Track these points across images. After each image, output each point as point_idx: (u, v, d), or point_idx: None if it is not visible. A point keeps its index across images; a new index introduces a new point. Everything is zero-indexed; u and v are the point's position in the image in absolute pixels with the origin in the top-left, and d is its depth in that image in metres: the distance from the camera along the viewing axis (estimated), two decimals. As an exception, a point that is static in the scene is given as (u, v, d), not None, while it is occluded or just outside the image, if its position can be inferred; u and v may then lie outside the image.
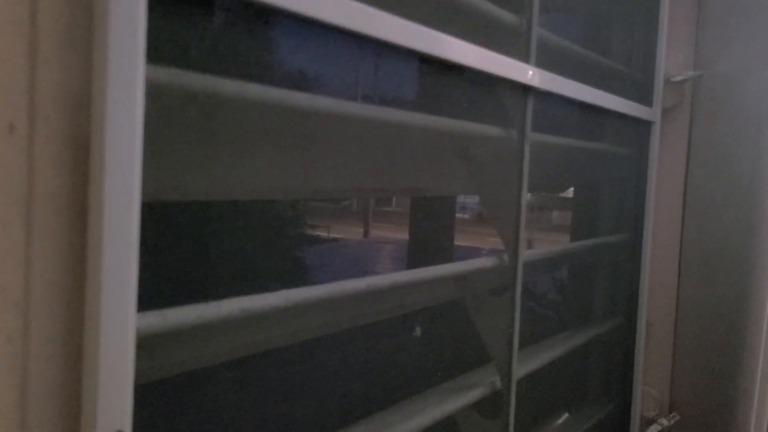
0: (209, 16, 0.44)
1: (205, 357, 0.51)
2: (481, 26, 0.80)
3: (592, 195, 1.31)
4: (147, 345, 0.44)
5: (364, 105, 0.68)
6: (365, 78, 0.71)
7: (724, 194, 1.26)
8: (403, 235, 1.08)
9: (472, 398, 0.83)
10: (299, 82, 0.55)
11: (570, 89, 0.92)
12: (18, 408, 0.36)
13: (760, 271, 1.22)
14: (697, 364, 1.32)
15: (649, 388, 1.36)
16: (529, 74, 0.82)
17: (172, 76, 0.42)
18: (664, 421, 1.32)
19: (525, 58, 0.83)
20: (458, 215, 1.15)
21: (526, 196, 0.86)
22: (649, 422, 1.33)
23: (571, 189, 1.35)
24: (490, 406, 0.89)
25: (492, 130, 0.83)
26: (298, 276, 0.84)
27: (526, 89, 0.83)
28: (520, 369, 0.91)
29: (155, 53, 0.40)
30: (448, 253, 1.09)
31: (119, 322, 0.38)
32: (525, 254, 0.87)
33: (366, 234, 1.21)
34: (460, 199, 1.20)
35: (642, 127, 1.26)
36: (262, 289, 0.54)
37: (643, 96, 1.25)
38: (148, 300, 0.44)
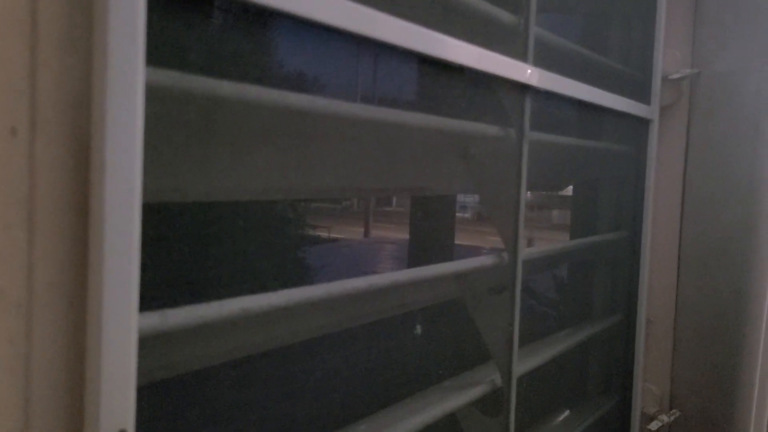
0: (209, 17, 0.44)
1: (207, 357, 0.52)
2: (478, 26, 0.80)
3: (591, 193, 1.31)
4: (149, 345, 0.44)
5: (362, 105, 0.68)
6: (363, 79, 0.71)
7: (722, 191, 1.27)
8: (404, 235, 1.08)
9: (473, 396, 0.84)
10: (298, 83, 0.55)
11: (568, 88, 0.93)
12: (21, 409, 0.37)
13: (759, 268, 1.23)
14: (697, 361, 1.32)
15: (649, 385, 1.36)
16: (527, 73, 0.82)
17: (171, 78, 0.42)
18: (665, 418, 1.32)
19: (523, 57, 0.83)
20: (459, 214, 1.16)
21: (526, 195, 0.86)
22: (649, 419, 1.34)
23: (572, 188, 1.36)
24: (491, 403, 0.89)
25: (490, 129, 0.84)
26: (299, 276, 0.84)
27: (524, 88, 0.84)
28: (521, 366, 0.91)
29: (155, 55, 0.40)
30: (448, 253, 1.10)
31: (121, 322, 0.39)
32: (524, 252, 0.87)
33: (366, 234, 1.21)
34: (461, 198, 1.20)
35: (640, 125, 1.26)
36: (263, 289, 0.54)
37: (641, 94, 1.26)
38: (149, 300, 0.44)
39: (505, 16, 0.82)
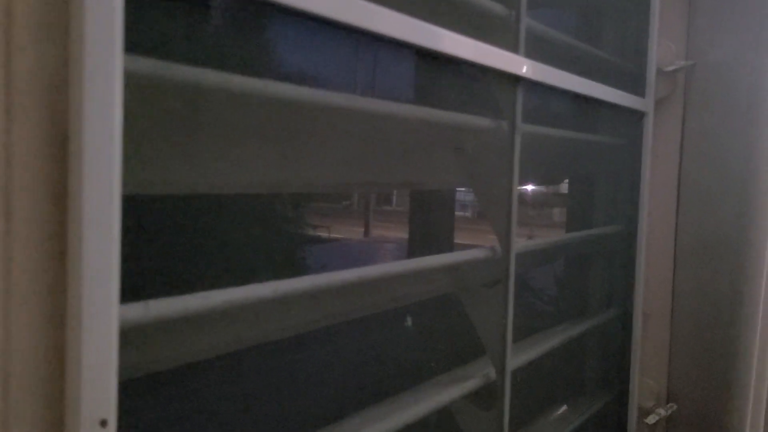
0: (189, 4, 0.44)
1: (192, 349, 0.51)
2: (469, 17, 0.80)
3: (586, 187, 1.31)
4: (131, 336, 0.44)
5: (352, 96, 0.67)
6: (352, 70, 0.71)
7: (718, 184, 1.26)
8: (404, 234, 1.08)
9: (466, 390, 0.83)
10: (285, 73, 0.54)
11: (560, 79, 0.92)
12: (0, 398, 0.36)
13: (755, 260, 1.22)
14: (694, 354, 1.32)
15: (646, 379, 1.36)
16: (519, 64, 0.82)
17: (152, 66, 0.42)
18: (662, 411, 1.32)
19: (514, 48, 0.83)
20: (459, 213, 1.15)
21: (518, 188, 0.86)
22: (646, 412, 1.34)
23: (568, 183, 1.35)
24: (485, 397, 0.89)
25: (482, 122, 0.83)
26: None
27: (515, 80, 0.83)
28: (515, 360, 0.91)
29: (134, 42, 0.40)
30: (448, 251, 1.09)
31: (101, 312, 0.38)
32: (517, 246, 0.87)
33: (367, 233, 1.21)
34: (460, 196, 1.20)
35: (635, 117, 1.26)
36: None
37: (636, 86, 1.25)
38: (134, 292, 0.44)
39: (496, 7, 0.82)
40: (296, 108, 0.56)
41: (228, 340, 0.55)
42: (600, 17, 1.28)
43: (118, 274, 0.39)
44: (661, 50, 1.26)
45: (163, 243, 0.56)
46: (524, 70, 0.83)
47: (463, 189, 1.16)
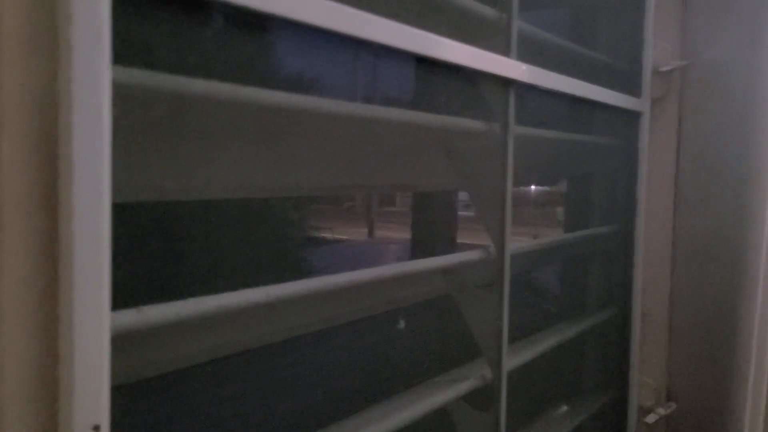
0: (176, 16, 0.45)
1: (187, 354, 0.52)
2: (460, 21, 0.80)
3: (583, 187, 1.32)
4: (124, 341, 0.45)
5: (342, 102, 0.68)
6: (343, 76, 0.71)
7: (715, 183, 1.27)
8: (409, 235, 1.08)
9: (462, 391, 0.84)
10: (276, 80, 0.55)
11: (553, 81, 0.93)
12: (-7, 405, 0.37)
13: (752, 258, 1.23)
14: (693, 353, 1.32)
15: (645, 378, 1.36)
16: (510, 68, 0.83)
17: (140, 76, 0.42)
18: (661, 411, 1.32)
19: (506, 51, 0.83)
20: (463, 213, 1.15)
21: (511, 189, 0.86)
22: (646, 412, 1.34)
23: (565, 183, 1.36)
24: (482, 398, 0.89)
25: (475, 125, 0.84)
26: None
27: (507, 83, 0.84)
28: (511, 361, 0.91)
29: (122, 54, 0.41)
30: (451, 251, 1.09)
31: (93, 319, 0.39)
32: (512, 247, 0.88)
33: (371, 234, 1.21)
34: (464, 196, 1.20)
35: (631, 118, 1.26)
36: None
37: (632, 87, 1.26)
38: (126, 298, 0.45)
39: (486, 10, 0.82)
40: (286, 114, 0.56)
41: (222, 345, 0.56)
42: (594, 18, 1.29)
43: (109, 281, 0.40)
44: (657, 50, 1.26)
45: (165, 249, 0.57)
46: (516, 72, 0.83)
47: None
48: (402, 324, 0.83)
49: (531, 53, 0.90)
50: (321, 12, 0.56)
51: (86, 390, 0.39)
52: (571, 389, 1.33)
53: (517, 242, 0.91)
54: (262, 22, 0.50)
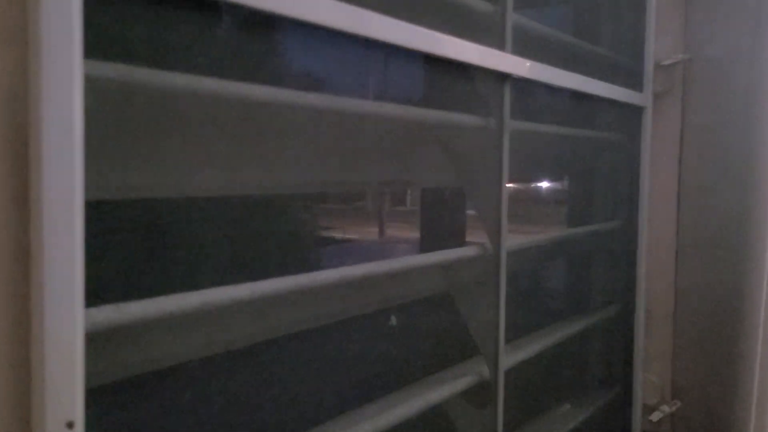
0: (154, 9, 0.44)
1: (168, 351, 0.52)
2: (453, 15, 0.79)
3: (585, 183, 1.30)
4: (103, 338, 0.44)
5: (331, 96, 0.67)
6: (332, 71, 0.71)
7: (719, 178, 1.25)
8: (419, 234, 1.07)
9: (458, 389, 0.83)
10: (254, 74, 0.55)
11: (551, 75, 0.92)
12: (-35, 402, 0.37)
13: (757, 254, 1.21)
14: (698, 351, 1.31)
15: (650, 376, 1.35)
16: (505, 62, 0.82)
17: (115, 71, 0.42)
18: (666, 408, 1.31)
19: (501, 45, 0.82)
20: (471, 212, 1.14)
21: (507, 184, 0.85)
22: (650, 410, 1.32)
23: (568, 179, 1.35)
24: (480, 396, 0.89)
25: (470, 119, 0.83)
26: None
27: (502, 77, 0.83)
28: (509, 359, 0.90)
29: (96, 48, 0.40)
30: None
31: (65, 316, 0.39)
32: (508, 243, 0.87)
33: (381, 234, 1.20)
34: None
35: (633, 112, 1.25)
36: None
37: (634, 81, 1.24)
38: (106, 295, 0.44)
39: (480, 4, 0.81)
40: (269, 110, 0.56)
41: (207, 343, 0.56)
42: (596, 12, 1.27)
43: (82, 279, 0.39)
44: (659, 44, 1.25)
45: (165, 247, 0.56)
46: (511, 66, 0.82)
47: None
48: (393, 320, 0.83)
49: (529, 48, 0.89)
50: (310, 6, 0.55)
51: (59, 387, 0.39)
52: (574, 387, 1.32)
53: (514, 239, 0.90)
54: (240, 14, 0.49)
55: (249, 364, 0.68)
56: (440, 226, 1.06)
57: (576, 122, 1.14)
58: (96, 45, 0.40)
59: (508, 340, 0.96)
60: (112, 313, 0.44)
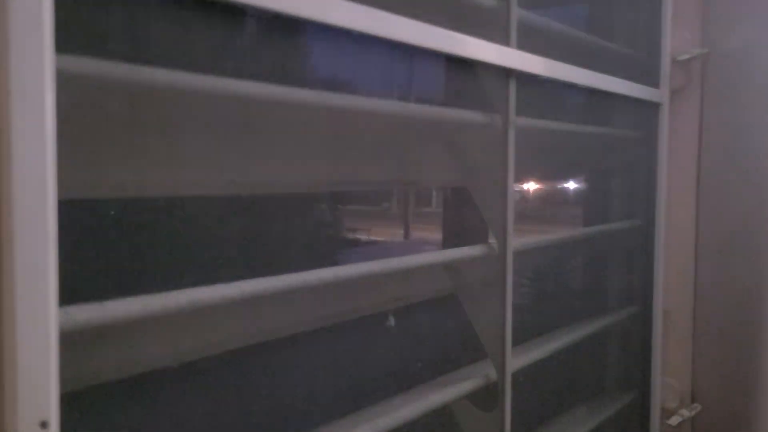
0: (131, 1, 0.44)
1: (154, 352, 0.51)
2: (456, 9, 0.78)
3: (600, 182, 1.28)
4: (83, 337, 0.44)
5: (332, 94, 0.66)
6: (336, 68, 0.70)
7: (739, 175, 1.21)
8: (445, 235, 1.06)
9: (463, 391, 0.82)
10: (238, 68, 0.54)
11: (559, 71, 0.90)
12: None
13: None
14: (718, 353, 1.27)
15: (669, 379, 1.32)
16: (510, 56, 0.80)
17: (89, 66, 0.41)
18: (685, 412, 1.27)
19: (505, 41, 0.81)
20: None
21: (513, 183, 0.84)
22: (669, 414, 1.29)
23: (584, 178, 1.32)
24: (487, 399, 0.87)
25: (474, 116, 0.82)
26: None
27: (507, 73, 0.81)
28: (516, 361, 0.88)
29: (70, 42, 0.40)
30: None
31: (37, 315, 0.38)
32: (515, 243, 0.85)
33: (406, 235, 1.19)
34: None
35: (649, 109, 1.22)
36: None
37: (650, 77, 1.21)
38: (93, 294, 0.44)
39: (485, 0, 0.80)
40: (257, 107, 0.55)
41: (198, 345, 0.55)
42: (610, 5, 1.25)
43: (55, 277, 0.39)
44: (675, 39, 1.22)
45: (172, 246, 0.56)
46: (516, 62, 0.81)
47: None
48: (391, 321, 0.81)
49: (538, 44, 0.87)
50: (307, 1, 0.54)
51: (32, 386, 0.38)
52: (590, 390, 1.29)
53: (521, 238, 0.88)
54: (221, 6, 0.48)
55: (247, 366, 0.68)
56: (463, 226, 1.04)
57: (589, 119, 1.12)
58: (69, 39, 0.40)
59: (518, 342, 0.95)
60: (91, 312, 0.43)
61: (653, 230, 1.25)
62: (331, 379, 0.81)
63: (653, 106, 1.21)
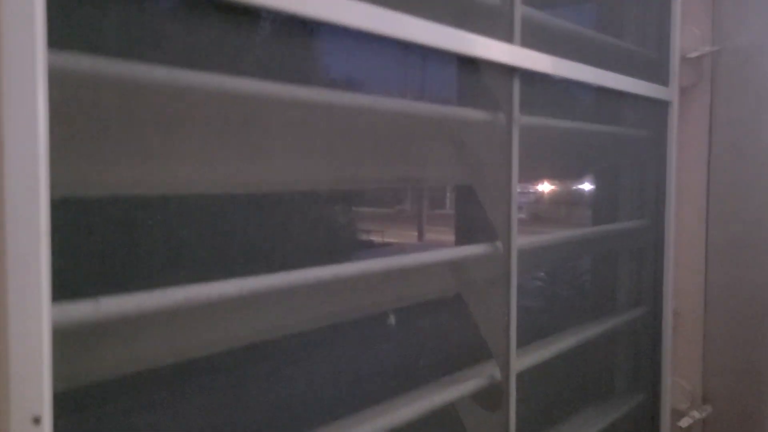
0: None
1: (151, 350, 0.51)
2: (459, 6, 0.77)
3: (609, 181, 1.27)
4: (78, 333, 0.44)
5: (333, 91, 0.66)
6: (336, 66, 0.70)
7: (749, 173, 1.20)
8: (459, 237, 1.06)
9: (466, 391, 0.81)
10: (234, 64, 0.54)
11: (564, 68, 0.89)
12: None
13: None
14: (730, 353, 1.26)
15: (679, 380, 1.30)
16: (513, 54, 0.79)
17: (84, 62, 0.41)
18: (696, 414, 1.26)
19: (509, 38, 0.80)
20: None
21: (518, 181, 0.83)
22: (680, 415, 1.28)
23: (592, 177, 1.31)
24: (492, 399, 0.86)
25: (478, 114, 0.81)
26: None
27: (511, 70, 0.81)
28: (521, 362, 0.88)
29: (63, 38, 0.40)
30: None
31: (29, 310, 0.38)
32: (519, 242, 0.84)
33: (420, 237, 1.19)
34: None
35: (659, 107, 1.21)
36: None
37: (659, 75, 1.20)
38: (81, 291, 0.44)
39: (487, -4, 0.79)
40: (255, 104, 0.55)
41: (194, 342, 0.55)
42: (619, 2, 1.24)
43: (48, 273, 0.39)
44: (685, 36, 1.20)
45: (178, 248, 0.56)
46: (520, 59, 0.80)
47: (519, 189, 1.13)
48: (392, 319, 0.81)
49: (544, 42, 0.87)
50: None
51: (24, 381, 0.38)
52: (599, 391, 1.28)
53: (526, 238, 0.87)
54: (226, 3, 0.48)
55: (246, 365, 0.68)
56: (476, 227, 1.04)
57: (597, 117, 1.11)
58: (62, 34, 0.40)
59: (523, 343, 0.94)
60: (84, 308, 0.43)
61: (662, 230, 1.23)
62: (332, 378, 0.81)
63: (662, 104, 1.20)
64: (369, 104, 0.71)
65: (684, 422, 1.25)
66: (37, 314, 0.39)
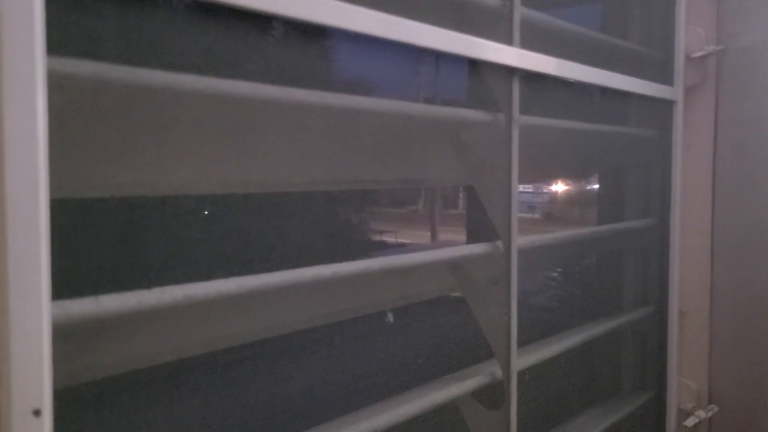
0: (123, 2, 0.45)
1: (152, 347, 0.52)
2: (458, 9, 0.78)
3: (614, 181, 1.27)
4: (78, 329, 0.45)
5: (334, 94, 0.67)
6: (338, 69, 0.71)
7: (755, 172, 1.20)
8: (471, 237, 1.06)
9: (468, 389, 0.82)
10: (229, 67, 0.55)
11: (564, 69, 0.90)
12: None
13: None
14: (736, 353, 1.25)
15: (685, 379, 1.30)
16: (513, 55, 0.80)
17: (81, 67, 0.43)
18: (702, 413, 1.26)
19: (508, 40, 0.81)
20: (526, 215, 1.12)
21: (517, 181, 0.84)
22: (686, 415, 1.28)
23: (598, 177, 1.31)
24: (494, 396, 0.87)
25: (478, 115, 0.82)
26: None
27: (510, 71, 0.81)
28: (523, 360, 0.88)
29: (61, 43, 0.41)
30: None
31: (29, 306, 0.40)
32: (519, 241, 0.85)
33: (433, 237, 1.20)
34: (527, 198, 1.17)
35: (663, 107, 1.21)
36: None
37: (664, 75, 1.20)
38: (83, 288, 0.45)
39: (486, -2, 0.80)
40: (250, 107, 0.56)
41: (192, 340, 0.56)
42: (623, 2, 1.24)
43: (48, 270, 0.40)
44: (690, 35, 1.20)
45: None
46: (519, 60, 0.81)
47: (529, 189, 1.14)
48: (390, 318, 0.82)
49: (546, 42, 0.87)
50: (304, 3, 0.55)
51: (24, 374, 0.40)
52: (605, 390, 1.28)
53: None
54: (223, 7, 0.49)
55: (246, 364, 0.69)
56: (483, 227, 1.04)
57: (601, 118, 1.11)
58: (61, 39, 0.41)
59: (528, 342, 0.95)
60: (84, 306, 0.45)
61: (668, 229, 1.23)
62: (335, 375, 0.82)
63: (667, 104, 1.20)
64: (369, 106, 0.72)
65: (690, 421, 1.25)
66: (38, 311, 0.40)
